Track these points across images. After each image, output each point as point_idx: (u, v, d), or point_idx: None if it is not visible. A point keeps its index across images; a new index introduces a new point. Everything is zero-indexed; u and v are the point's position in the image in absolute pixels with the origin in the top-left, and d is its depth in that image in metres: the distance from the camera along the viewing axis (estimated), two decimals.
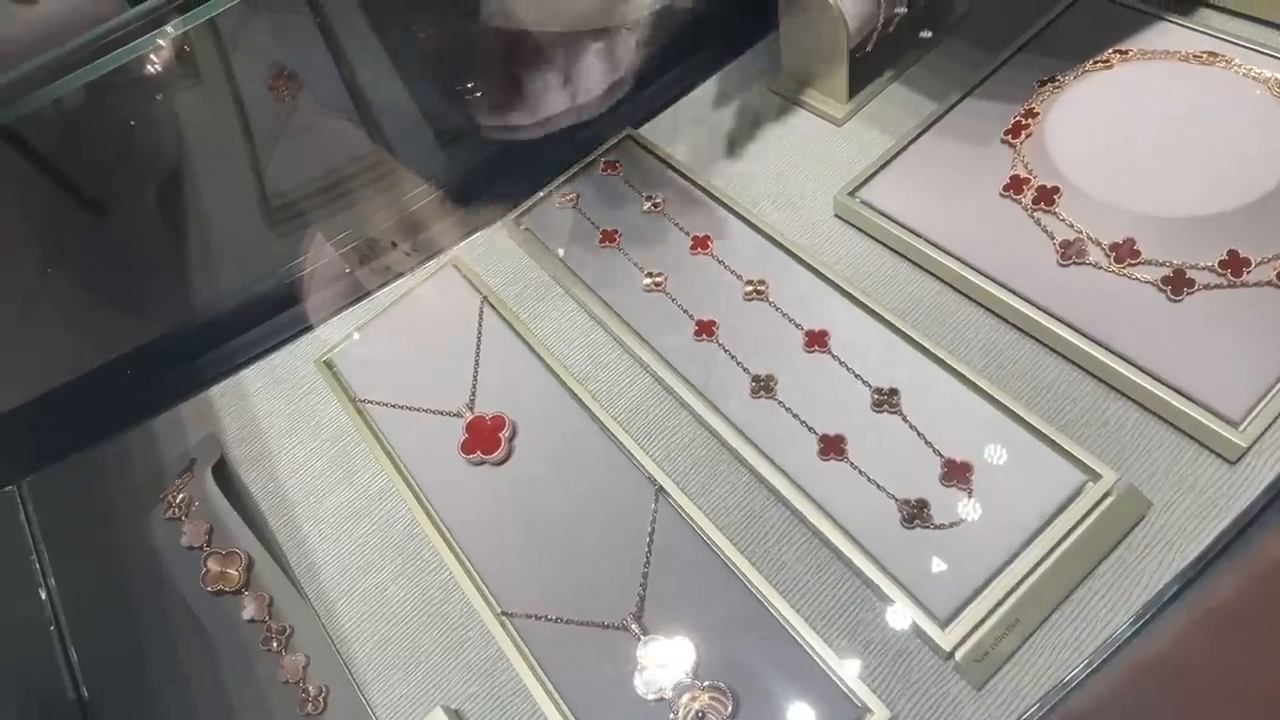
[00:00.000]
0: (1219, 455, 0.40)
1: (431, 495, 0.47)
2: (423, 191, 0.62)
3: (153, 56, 0.59)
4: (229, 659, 0.45)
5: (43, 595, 0.50)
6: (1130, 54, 0.51)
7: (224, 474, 0.51)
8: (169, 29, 0.61)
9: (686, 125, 0.61)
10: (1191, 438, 0.41)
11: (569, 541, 0.43)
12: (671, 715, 0.37)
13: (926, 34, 0.60)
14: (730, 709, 0.36)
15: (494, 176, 0.63)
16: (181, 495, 0.48)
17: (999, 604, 0.37)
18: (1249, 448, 0.39)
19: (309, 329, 0.58)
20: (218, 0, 0.54)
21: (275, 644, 0.44)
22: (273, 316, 0.59)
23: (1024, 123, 0.50)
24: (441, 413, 0.49)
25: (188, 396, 0.57)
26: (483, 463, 0.47)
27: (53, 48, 0.61)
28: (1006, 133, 0.50)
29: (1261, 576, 0.35)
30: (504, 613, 0.42)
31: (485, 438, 0.47)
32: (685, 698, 0.37)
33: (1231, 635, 0.32)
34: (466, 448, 0.47)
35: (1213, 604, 0.36)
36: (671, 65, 0.64)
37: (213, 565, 0.46)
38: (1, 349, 0.59)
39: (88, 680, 0.47)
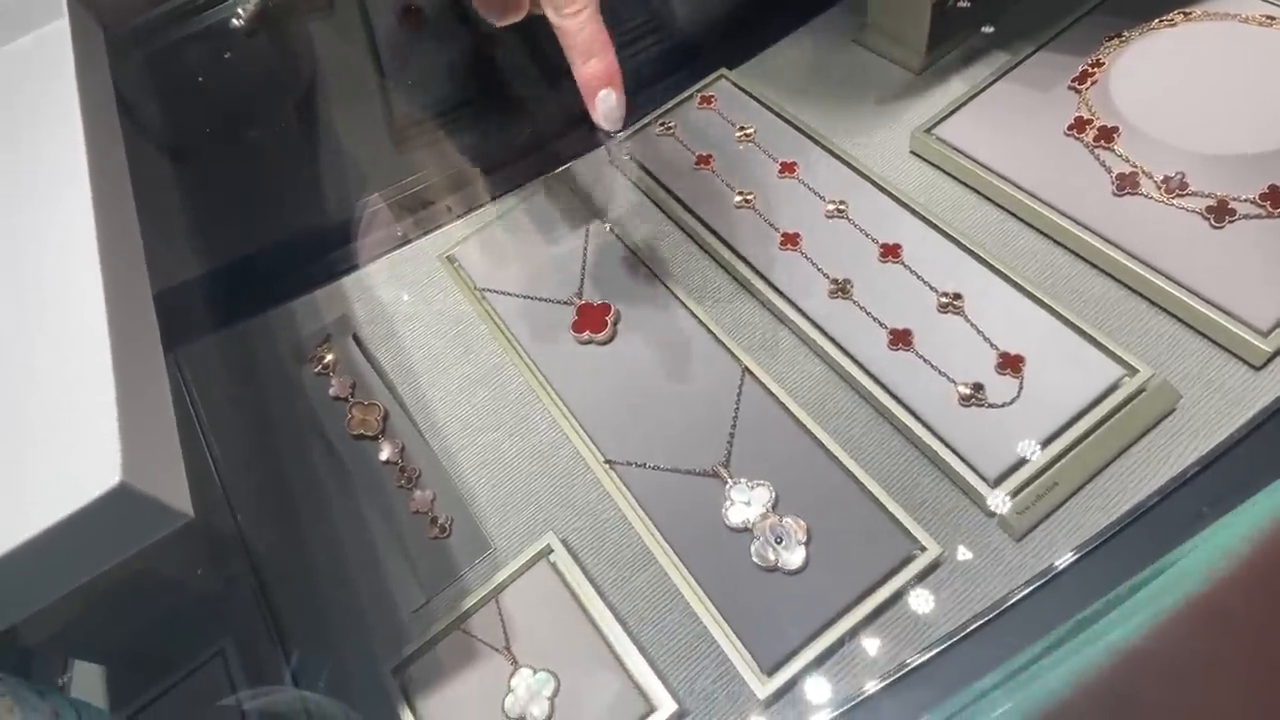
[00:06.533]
0: (1245, 362, 0.45)
1: (544, 367, 0.54)
2: (529, 121, 0.70)
3: None
4: (367, 492, 0.52)
5: (201, 441, 0.58)
6: (1194, 14, 0.56)
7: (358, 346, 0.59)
8: None
9: (776, 69, 0.67)
10: (1221, 346, 0.46)
11: (666, 407, 0.50)
12: (755, 539, 0.43)
13: None
14: (805, 536, 0.43)
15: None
16: (330, 355, 0.56)
17: (1042, 470, 0.43)
18: (1275, 354, 0.44)
19: (429, 232, 0.65)
20: None
21: (407, 481, 0.52)
22: (396, 222, 0.66)
23: (1090, 71, 0.55)
24: (554, 300, 0.56)
25: (319, 286, 0.65)
26: (590, 341, 0.54)
27: None
28: (1074, 80, 0.56)
29: (1257, 576, 0.36)
30: (608, 460, 0.49)
31: (594, 319, 0.53)
32: (766, 523, 0.43)
33: (1222, 632, 0.35)
34: (576, 327, 0.54)
35: (1205, 600, 0.37)
36: (764, 14, 0.70)
37: (356, 413, 0.54)
38: (163, 235, 0.68)
39: (243, 511, 0.55)
